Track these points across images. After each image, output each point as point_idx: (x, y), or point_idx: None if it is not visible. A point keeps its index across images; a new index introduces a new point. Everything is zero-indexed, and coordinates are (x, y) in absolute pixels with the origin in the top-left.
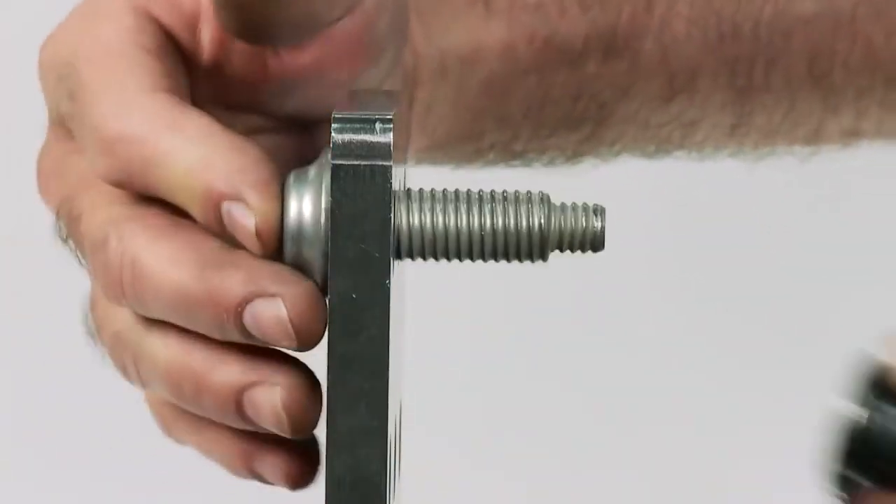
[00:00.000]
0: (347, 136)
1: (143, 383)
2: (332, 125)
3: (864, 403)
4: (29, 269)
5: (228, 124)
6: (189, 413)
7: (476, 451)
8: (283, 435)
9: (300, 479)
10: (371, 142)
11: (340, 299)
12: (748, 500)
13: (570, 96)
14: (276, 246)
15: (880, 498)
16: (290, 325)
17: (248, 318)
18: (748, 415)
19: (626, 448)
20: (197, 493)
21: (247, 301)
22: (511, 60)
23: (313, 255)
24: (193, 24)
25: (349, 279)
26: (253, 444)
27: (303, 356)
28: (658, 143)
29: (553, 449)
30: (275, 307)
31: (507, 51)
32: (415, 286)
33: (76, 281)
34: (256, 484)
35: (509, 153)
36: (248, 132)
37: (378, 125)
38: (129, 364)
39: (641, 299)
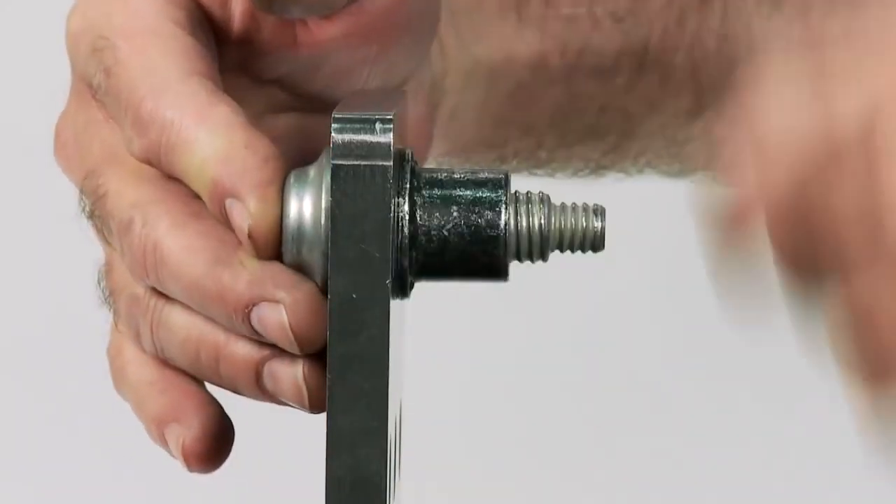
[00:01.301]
0: (347, 136)
1: (158, 348)
2: (332, 125)
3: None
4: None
5: (253, 97)
6: (140, 365)
7: (476, 450)
8: (300, 408)
9: (200, 459)
10: (371, 142)
11: (340, 299)
12: None
13: (597, 107)
14: (272, 249)
15: None
16: (290, 332)
17: (254, 320)
18: (750, 421)
19: (627, 451)
20: (198, 494)
21: (253, 303)
22: (541, 70)
23: (313, 255)
24: None
25: (349, 279)
26: (168, 412)
27: None
28: (682, 160)
29: (553, 449)
30: (277, 312)
31: (537, 61)
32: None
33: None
34: (257, 485)
35: (533, 161)
36: (272, 108)
37: (378, 125)
38: (144, 328)
39: (642, 300)
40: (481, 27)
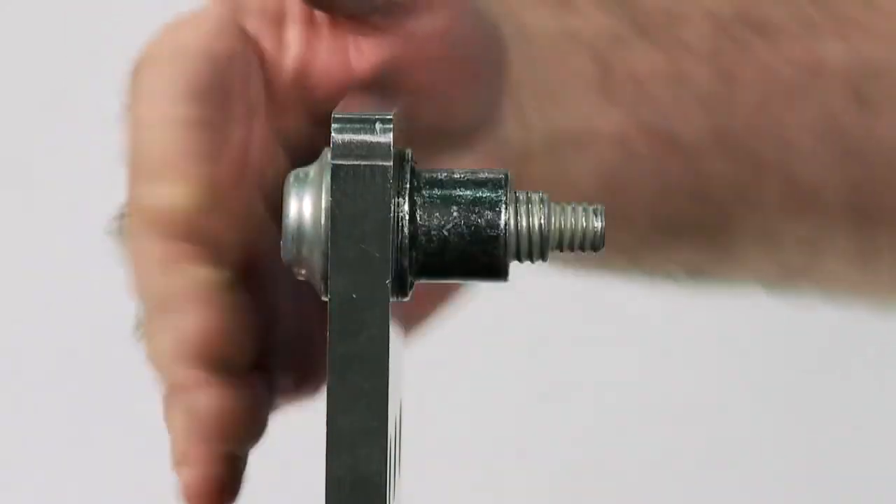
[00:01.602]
0: (347, 136)
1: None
2: (332, 125)
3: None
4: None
5: (314, 141)
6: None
7: (476, 451)
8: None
9: (201, 500)
10: (371, 142)
11: (340, 299)
12: None
13: (689, 195)
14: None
15: None
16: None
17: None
18: (751, 421)
19: (627, 451)
20: None
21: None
22: (625, 150)
23: (313, 255)
24: (278, 24)
25: (349, 279)
26: (185, 448)
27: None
28: (781, 267)
29: (554, 449)
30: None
31: (620, 138)
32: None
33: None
34: (256, 484)
35: (634, 263)
36: None
37: (378, 125)
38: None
39: (642, 300)
40: (563, 101)
